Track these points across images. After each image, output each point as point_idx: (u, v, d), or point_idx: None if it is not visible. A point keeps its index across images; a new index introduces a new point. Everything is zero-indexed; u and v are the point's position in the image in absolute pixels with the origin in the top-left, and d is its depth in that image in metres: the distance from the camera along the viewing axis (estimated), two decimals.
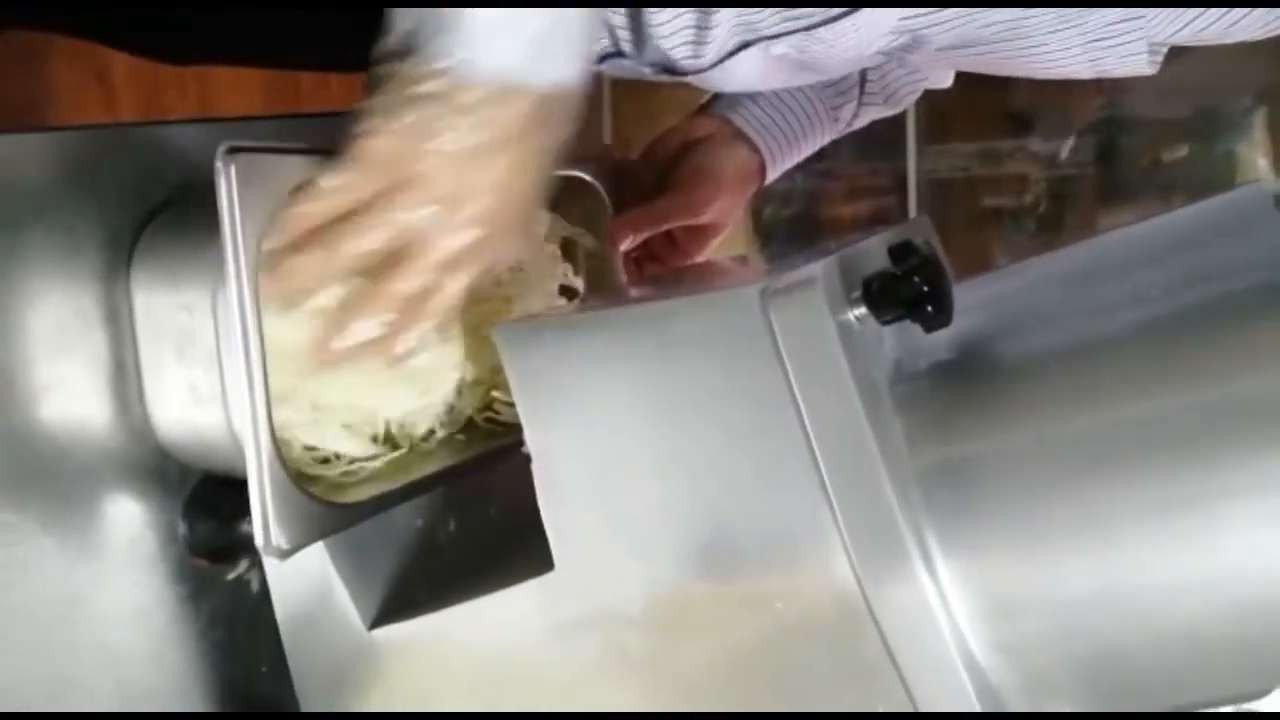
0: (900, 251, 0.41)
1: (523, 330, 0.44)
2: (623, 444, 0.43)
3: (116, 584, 0.47)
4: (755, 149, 0.69)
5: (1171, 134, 1.78)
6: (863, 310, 0.40)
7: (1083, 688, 0.40)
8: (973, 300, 0.43)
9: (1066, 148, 1.76)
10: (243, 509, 0.43)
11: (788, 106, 0.69)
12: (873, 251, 0.44)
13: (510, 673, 0.47)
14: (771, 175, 0.72)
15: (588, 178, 0.63)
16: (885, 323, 0.40)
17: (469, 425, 0.55)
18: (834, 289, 0.40)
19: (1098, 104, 1.68)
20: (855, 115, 0.71)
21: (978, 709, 0.39)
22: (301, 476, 0.45)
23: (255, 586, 0.51)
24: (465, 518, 0.53)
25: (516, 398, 0.44)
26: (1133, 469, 0.39)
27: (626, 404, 0.42)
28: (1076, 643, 0.39)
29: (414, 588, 0.49)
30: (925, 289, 0.39)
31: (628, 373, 0.42)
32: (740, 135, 0.69)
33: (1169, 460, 0.38)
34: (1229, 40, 0.52)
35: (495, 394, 0.55)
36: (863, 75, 0.69)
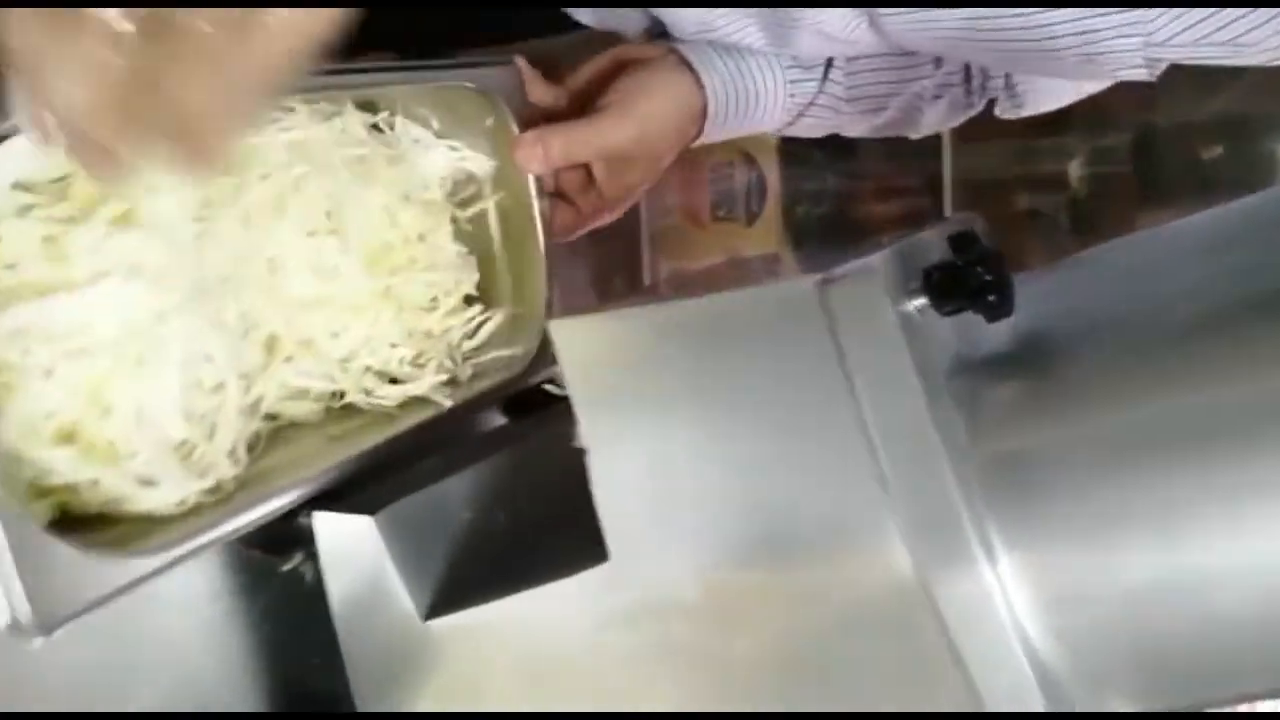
0: (962, 241, 0.41)
1: (578, 324, 0.45)
2: (677, 436, 0.43)
3: (177, 574, 0.46)
4: (700, 86, 0.61)
5: (1210, 133, 1.76)
6: (923, 301, 0.40)
7: (1145, 676, 0.40)
8: (1028, 293, 0.42)
9: (1101, 148, 1.74)
10: (308, 500, 0.45)
11: (745, 62, 0.62)
12: (926, 245, 0.44)
13: (562, 663, 0.47)
14: (711, 131, 0.63)
15: (487, 90, 0.56)
16: (947, 313, 0.40)
17: (343, 411, 0.52)
18: (893, 280, 0.40)
19: (1136, 102, 1.67)
20: (811, 102, 0.65)
21: (1040, 700, 0.39)
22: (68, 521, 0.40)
23: (309, 578, 0.51)
24: (515, 509, 0.53)
25: (571, 390, 0.44)
26: (1196, 458, 0.39)
27: (682, 396, 0.43)
28: (1139, 632, 0.39)
29: (467, 578, 0.49)
30: (989, 278, 0.39)
31: (683, 366, 0.42)
32: (685, 66, 0.62)
33: (1233, 449, 0.38)
34: (1240, 61, 0.51)
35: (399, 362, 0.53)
36: (829, 63, 0.65)
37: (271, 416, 0.51)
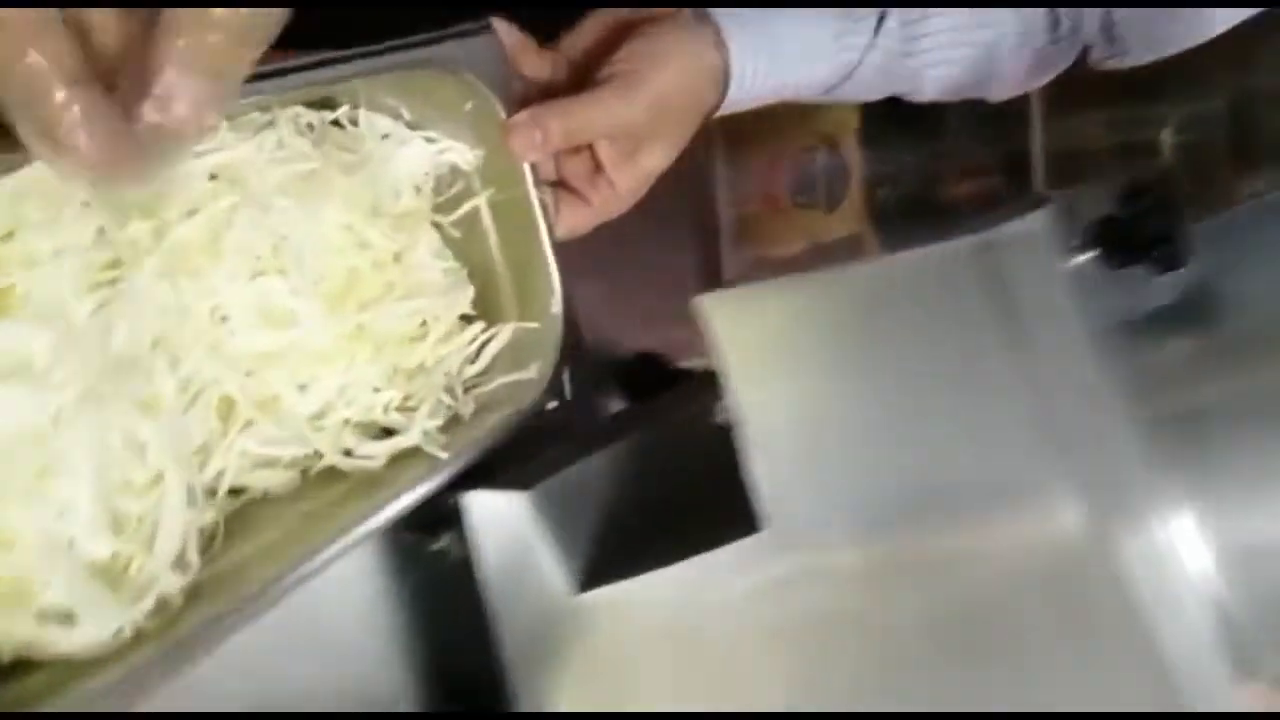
0: (1132, 193, 0.40)
1: (732, 297, 0.45)
2: (833, 404, 0.43)
3: None
4: (720, 44, 0.52)
5: None
6: (1091, 255, 0.39)
7: None
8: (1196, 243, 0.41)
9: (1196, 113, 1.59)
10: (456, 480, 0.45)
11: (777, 13, 0.53)
12: (1091, 199, 0.42)
13: (713, 634, 0.46)
14: (738, 97, 0.54)
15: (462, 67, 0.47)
16: (1116, 268, 0.39)
17: (324, 477, 0.44)
18: (1059, 236, 0.39)
19: (1233, 64, 1.51)
20: (861, 60, 0.55)
21: (1224, 655, 0.38)
22: None
23: (455, 557, 0.50)
24: (663, 483, 0.51)
25: (725, 362, 0.44)
26: None
27: (837, 364, 0.43)
28: None
29: (617, 552, 0.49)
30: (1160, 230, 0.39)
31: (840, 333, 0.43)
32: (704, 20, 0.52)
33: None
34: None
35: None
36: (883, 13, 0.55)
37: (237, 491, 0.43)
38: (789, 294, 0.44)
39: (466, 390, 0.49)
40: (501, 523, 0.48)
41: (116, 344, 0.37)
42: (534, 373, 0.50)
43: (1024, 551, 0.40)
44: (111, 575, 0.36)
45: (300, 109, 0.44)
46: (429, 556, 0.51)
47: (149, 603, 0.36)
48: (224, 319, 0.42)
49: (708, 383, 0.46)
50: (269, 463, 0.44)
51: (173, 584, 0.38)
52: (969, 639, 0.42)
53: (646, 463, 0.53)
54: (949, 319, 0.41)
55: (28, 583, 0.34)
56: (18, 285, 0.34)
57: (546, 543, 0.48)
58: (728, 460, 0.44)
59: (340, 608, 0.49)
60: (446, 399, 0.48)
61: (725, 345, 0.44)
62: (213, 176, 0.41)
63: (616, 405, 0.60)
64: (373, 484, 0.45)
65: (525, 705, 0.50)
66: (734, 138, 0.87)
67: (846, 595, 0.43)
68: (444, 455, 0.45)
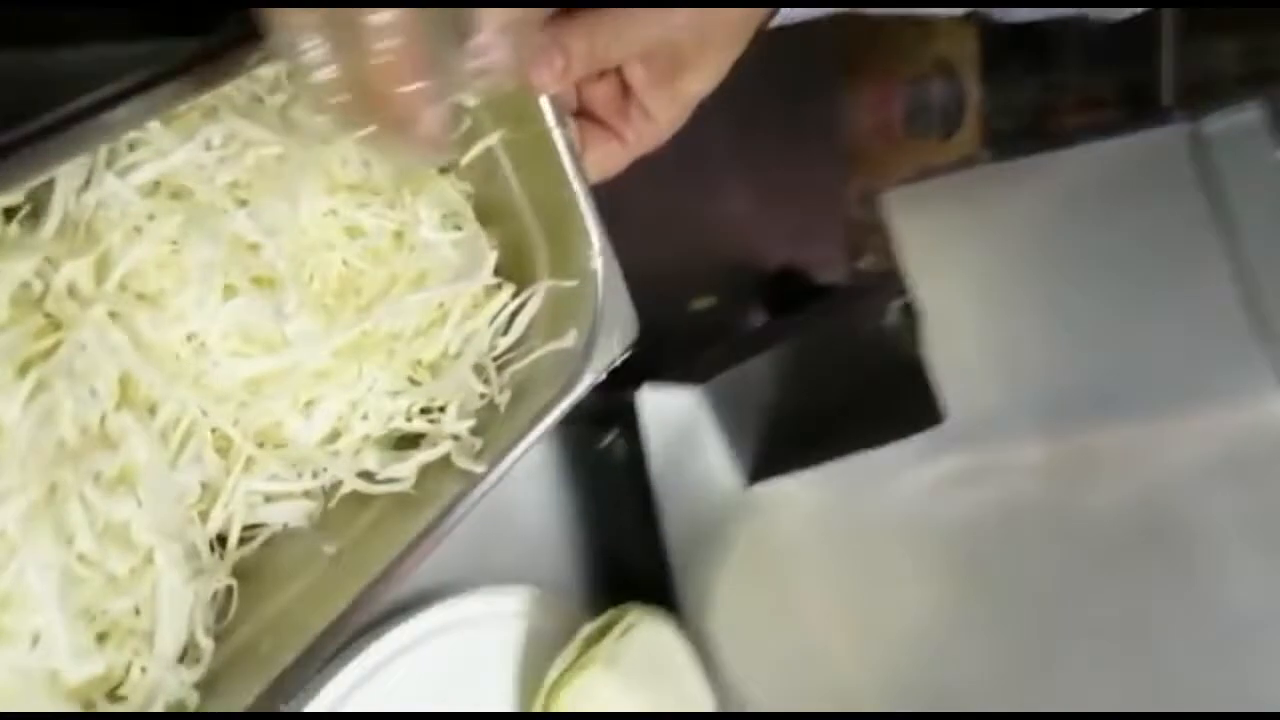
0: None
1: (915, 192, 0.44)
2: (1022, 295, 0.43)
3: None
4: None
5: None
6: None
7: None
8: None
9: None
10: (630, 376, 0.45)
11: None
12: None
13: (881, 528, 0.46)
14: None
15: None
16: None
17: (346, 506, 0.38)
18: (1271, 127, 0.39)
19: None
20: None
21: None
22: None
23: (621, 452, 0.52)
24: (830, 382, 0.51)
25: (905, 257, 0.43)
26: None
27: (1027, 255, 0.42)
28: None
29: (787, 446, 0.49)
30: None
31: (1030, 224, 0.42)
32: None
33: None
34: None
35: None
36: None
37: (248, 537, 0.38)
38: (975, 187, 0.44)
39: (500, 369, 0.43)
40: (672, 417, 0.50)
41: (65, 428, 0.31)
42: (571, 340, 0.43)
43: (1222, 440, 0.40)
44: (107, 691, 0.32)
45: (241, 82, 0.36)
46: (598, 452, 0.52)
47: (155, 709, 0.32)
48: (201, 347, 0.36)
49: (869, 289, 0.47)
50: (279, 498, 0.38)
51: (183, 684, 0.33)
52: (1159, 531, 0.41)
53: (813, 363, 0.52)
54: (1150, 209, 0.40)
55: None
56: None
57: (717, 436, 0.49)
58: (899, 360, 0.44)
59: (525, 500, 0.52)
60: (478, 387, 0.41)
61: (908, 240, 0.43)
62: (149, 193, 0.34)
63: (759, 319, 0.60)
64: (405, 505, 0.39)
65: (689, 594, 0.51)
66: (846, 65, 0.78)
67: (1031, 488, 0.43)
68: (479, 469, 0.39)
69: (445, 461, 0.40)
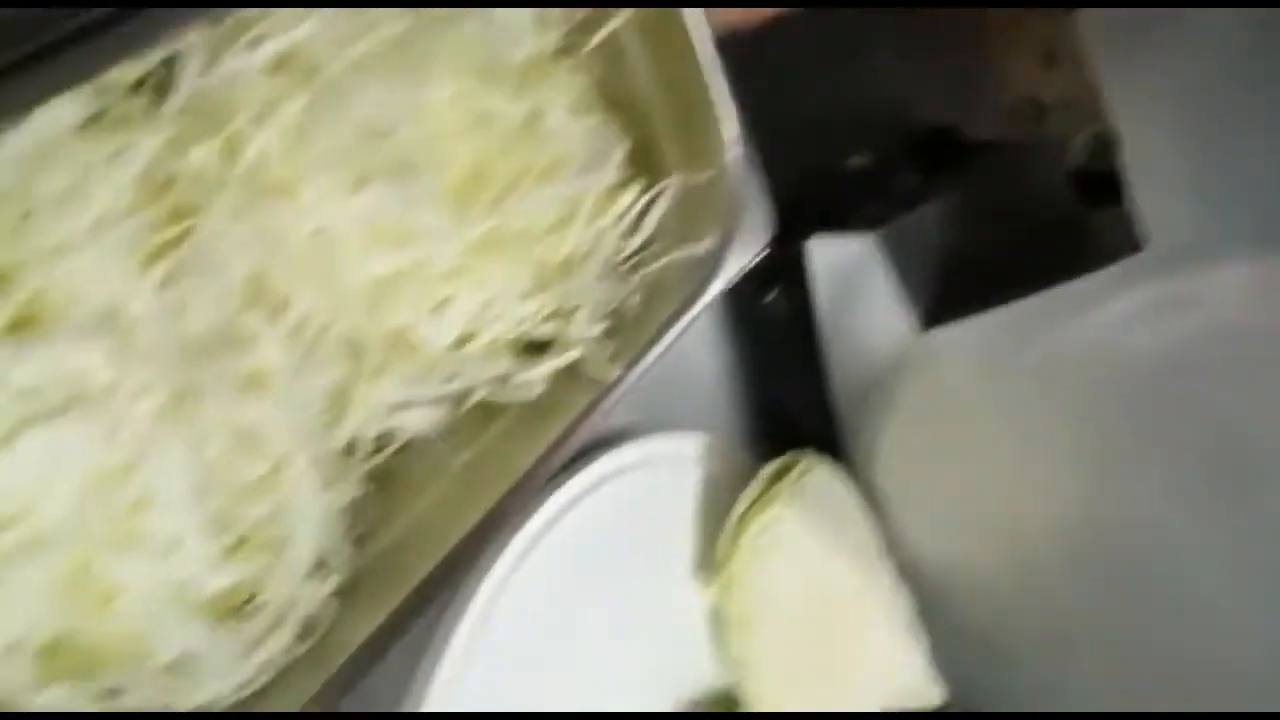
0: None
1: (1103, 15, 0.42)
2: (1229, 111, 0.41)
3: None
4: None
5: None
6: None
7: None
8: None
9: None
10: (794, 232, 0.42)
11: None
12: None
13: (1072, 366, 0.44)
14: None
15: None
16: None
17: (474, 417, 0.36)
18: None
19: None
20: None
21: None
22: None
23: (784, 308, 0.51)
24: (1009, 223, 0.47)
25: (1099, 82, 0.42)
26: None
27: (1230, 68, 0.41)
28: None
29: (965, 289, 0.47)
30: None
31: (1231, 39, 0.41)
32: None
33: None
34: None
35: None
36: None
37: (378, 442, 0.36)
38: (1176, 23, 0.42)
39: (628, 273, 0.40)
40: (839, 269, 0.49)
41: (196, 323, 0.29)
42: (708, 241, 0.40)
43: None
44: (238, 604, 0.30)
45: None
46: (761, 308, 0.51)
47: (291, 629, 0.30)
48: (329, 243, 0.34)
49: (1044, 130, 0.44)
50: (410, 405, 0.36)
51: (315, 598, 0.31)
52: None
53: (992, 205, 0.49)
54: None
55: (142, 637, 0.28)
56: (49, 288, 0.26)
57: (888, 285, 0.48)
58: (1089, 192, 0.42)
59: (691, 355, 0.51)
60: (608, 290, 0.39)
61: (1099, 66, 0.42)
62: (275, 71, 0.31)
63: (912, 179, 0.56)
64: (537, 412, 0.37)
65: (856, 446, 0.50)
66: None
67: (1238, 314, 0.41)
68: (612, 375, 0.36)
69: (575, 368, 0.38)
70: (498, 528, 0.33)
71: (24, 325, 0.26)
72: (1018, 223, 0.48)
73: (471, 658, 0.37)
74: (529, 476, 0.34)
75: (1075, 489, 0.46)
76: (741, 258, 0.40)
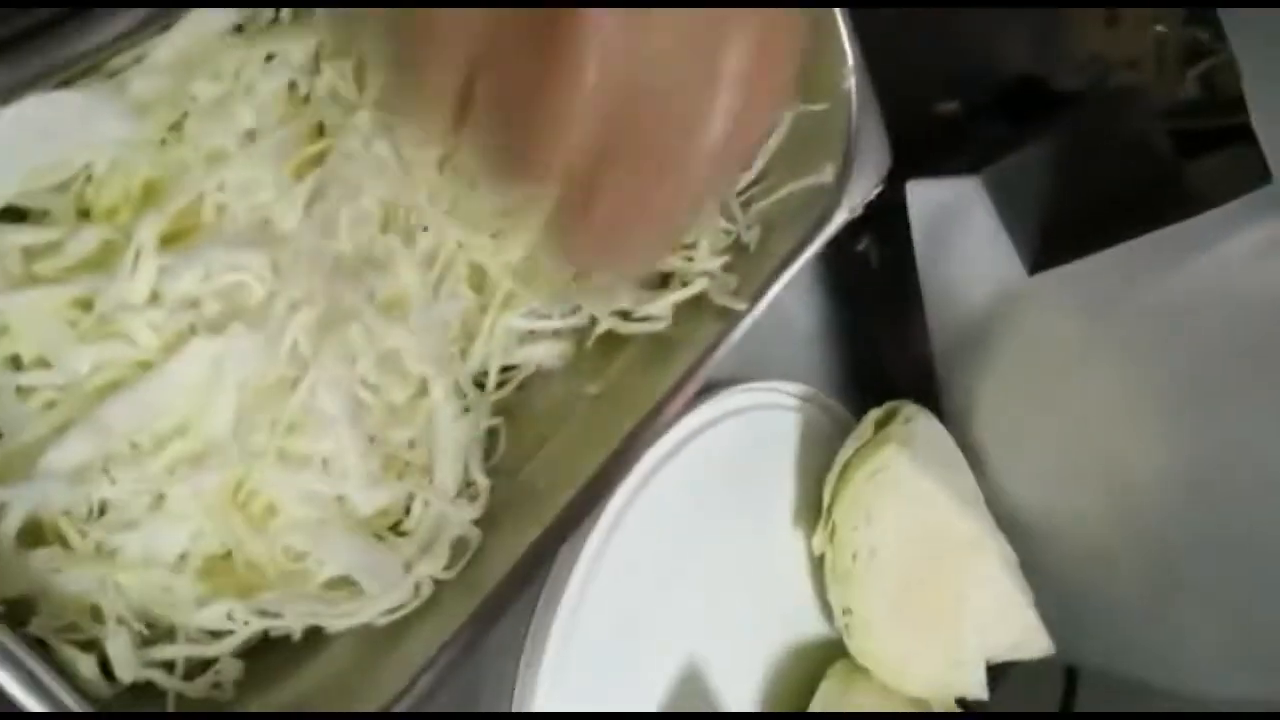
0: None
1: None
2: None
3: None
4: None
5: None
6: None
7: None
8: None
9: None
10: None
11: None
12: None
13: (1192, 306, 0.42)
14: None
15: None
16: None
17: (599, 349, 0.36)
18: None
19: None
20: None
21: None
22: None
23: (877, 255, 0.50)
24: (1116, 165, 0.45)
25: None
26: None
27: None
28: None
29: (1071, 230, 0.45)
30: None
31: None
32: None
33: None
34: None
35: None
36: None
37: (506, 375, 0.36)
38: None
39: (746, 207, 0.39)
40: (937, 213, 0.47)
41: (343, 242, 0.28)
42: (827, 175, 0.39)
43: None
44: (389, 526, 0.30)
45: None
46: (855, 255, 0.50)
47: (442, 552, 0.30)
48: (452, 175, 0.33)
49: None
50: (536, 337, 0.36)
51: (464, 520, 0.31)
52: None
53: (1101, 144, 0.47)
54: None
55: (300, 556, 0.28)
56: (207, 196, 0.26)
57: (990, 228, 0.47)
58: (1207, 125, 0.41)
59: (786, 303, 0.49)
60: (727, 226, 0.38)
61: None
62: None
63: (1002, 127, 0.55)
64: (663, 345, 0.36)
65: (954, 397, 0.49)
66: None
67: None
68: (740, 305, 0.36)
69: (698, 301, 0.37)
70: (627, 461, 0.32)
71: (178, 238, 0.25)
72: (1121, 165, 0.46)
73: (585, 597, 0.36)
74: (658, 409, 0.34)
75: (1185, 433, 0.44)
76: (862, 189, 0.39)
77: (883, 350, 0.52)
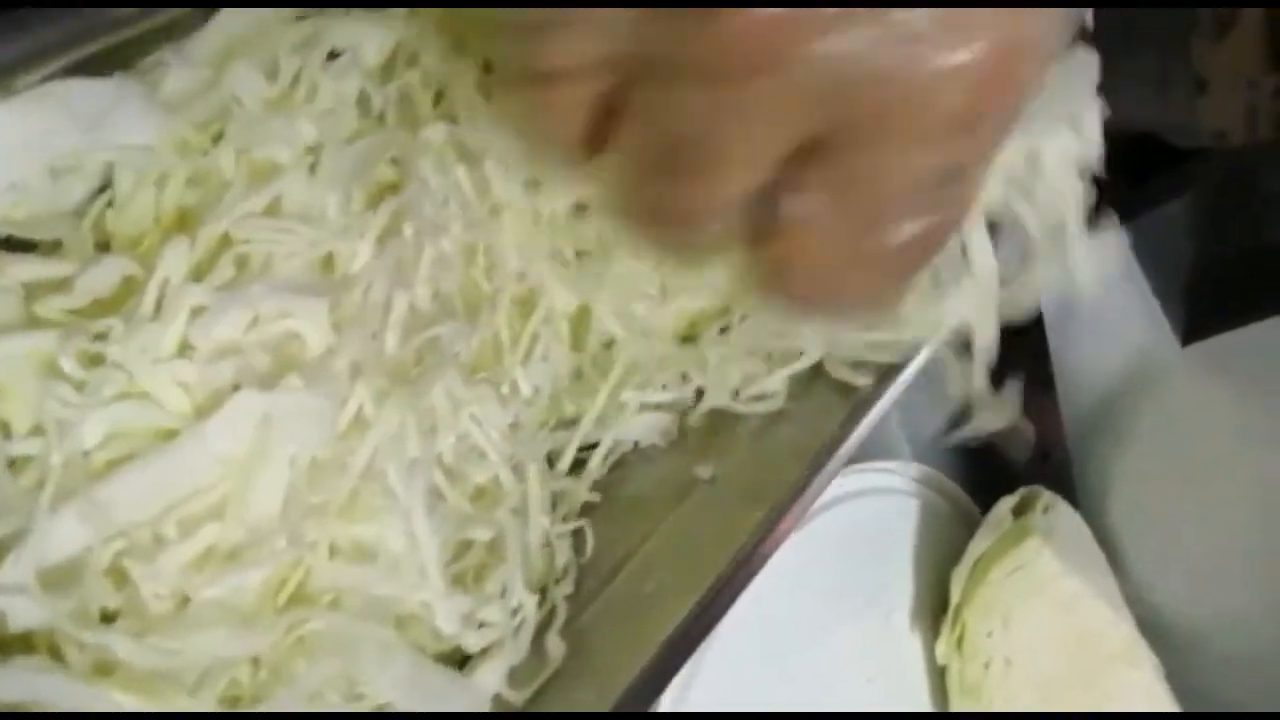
0: None
1: None
2: None
3: None
4: None
5: None
6: None
7: None
8: None
9: None
10: None
11: None
12: None
13: None
14: None
15: None
16: None
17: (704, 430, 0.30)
18: None
19: None
20: None
21: None
22: None
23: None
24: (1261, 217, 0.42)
25: None
26: None
27: None
28: None
29: (1236, 292, 0.42)
30: None
31: None
32: None
33: None
34: None
35: None
36: None
37: (585, 454, 0.30)
38: None
39: None
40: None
41: (419, 289, 0.23)
42: None
43: None
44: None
45: None
46: None
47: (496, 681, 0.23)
48: (548, 217, 0.28)
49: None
50: (644, 409, 0.30)
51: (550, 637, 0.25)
52: None
53: (1234, 208, 0.44)
54: None
55: (350, 660, 0.22)
56: (250, 235, 0.20)
57: (1132, 290, 0.43)
58: None
59: None
60: None
61: None
62: None
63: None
64: (782, 422, 0.30)
65: (1084, 480, 0.45)
66: None
67: None
68: (862, 382, 0.30)
69: (816, 373, 0.31)
70: (761, 557, 0.26)
71: (216, 273, 0.20)
72: (1269, 224, 0.43)
73: (688, 694, 0.33)
74: (793, 497, 0.28)
75: None
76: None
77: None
